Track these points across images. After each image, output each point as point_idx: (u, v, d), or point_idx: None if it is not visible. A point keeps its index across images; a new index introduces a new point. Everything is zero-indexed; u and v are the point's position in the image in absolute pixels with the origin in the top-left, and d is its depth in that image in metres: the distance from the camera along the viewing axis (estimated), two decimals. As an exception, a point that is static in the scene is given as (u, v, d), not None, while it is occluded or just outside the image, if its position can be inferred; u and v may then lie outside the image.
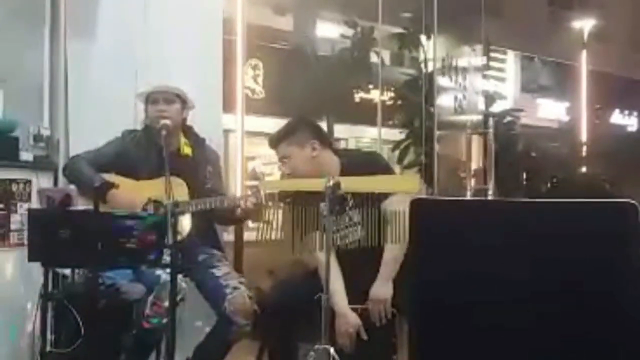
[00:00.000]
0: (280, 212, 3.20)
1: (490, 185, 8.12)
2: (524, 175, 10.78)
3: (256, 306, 3.44)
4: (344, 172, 3.26)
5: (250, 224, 4.20)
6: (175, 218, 2.93)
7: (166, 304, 3.11)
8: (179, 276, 3.23)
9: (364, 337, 3.19)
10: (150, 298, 3.28)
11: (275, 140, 3.45)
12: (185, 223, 3.41)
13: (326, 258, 2.90)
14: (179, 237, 3.07)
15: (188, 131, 3.74)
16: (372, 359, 3.26)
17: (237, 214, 3.49)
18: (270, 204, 3.29)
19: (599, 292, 1.80)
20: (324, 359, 2.79)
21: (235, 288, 3.43)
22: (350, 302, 3.24)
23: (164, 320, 3.12)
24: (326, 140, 3.49)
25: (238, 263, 4.40)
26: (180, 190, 3.42)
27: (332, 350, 2.79)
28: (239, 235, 5.04)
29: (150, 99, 3.64)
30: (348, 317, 3.19)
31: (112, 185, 3.47)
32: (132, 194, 3.49)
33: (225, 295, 3.39)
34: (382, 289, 3.20)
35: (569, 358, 1.82)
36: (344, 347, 3.15)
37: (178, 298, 3.23)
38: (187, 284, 3.39)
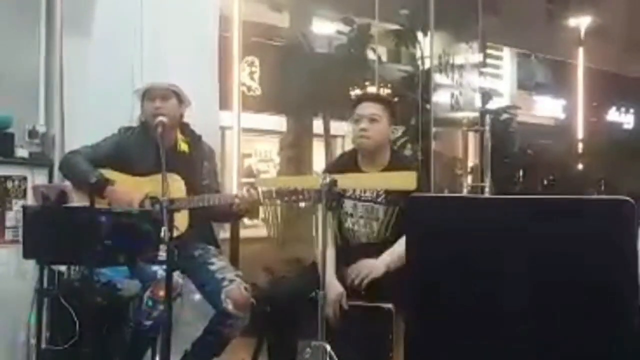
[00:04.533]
0: (278, 209, 3.22)
1: (487, 183, 8.13)
2: (520, 173, 10.80)
3: (253, 299, 3.44)
4: (389, 168, 3.43)
5: (246, 221, 4.20)
6: (171, 215, 2.92)
7: (163, 299, 3.11)
8: (176, 272, 3.23)
9: (345, 307, 3.22)
10: (147, 294, 3.28)
11: (370, 97, 3.64)
12: (183, 219, 3.40)
13: (322, 254, 2.91)
14: (176, 233, 3.06)
15: (184, 128, 3.74)
16: (368, 356, 3.26)
17: (234, 211, 3.49)
18: (267, 201, 3.30)
19: (595, 287, 1.80)
20: (320, 356, 2.79)
21: (231, 281, 3.43)
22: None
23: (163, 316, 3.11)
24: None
25: (234, 260, 4.40)
26: (177, 186, 3.42)
27: (328, 347, 2.79)
28: (234, 232, 5.04)
29: (147, 95, 3.63)
30: (333, 286, 3.22)
31: (108, 182, 3.46)
32: (130, 190, 3.48)
33: (222, 288, 3.39)
34: (376, 265, 3.24)
35: (565, 352, 1.82)
36: (328, 315, 3.15)
37: (176, 294, 3.24)
38: (183, 279, 3.39)
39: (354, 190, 3.42)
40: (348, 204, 3.42)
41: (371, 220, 3.41)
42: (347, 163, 3.49)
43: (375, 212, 3.40)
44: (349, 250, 3.37)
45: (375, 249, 3.34)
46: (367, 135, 3.43)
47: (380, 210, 3.39)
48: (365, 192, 3.43)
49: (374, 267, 3.25)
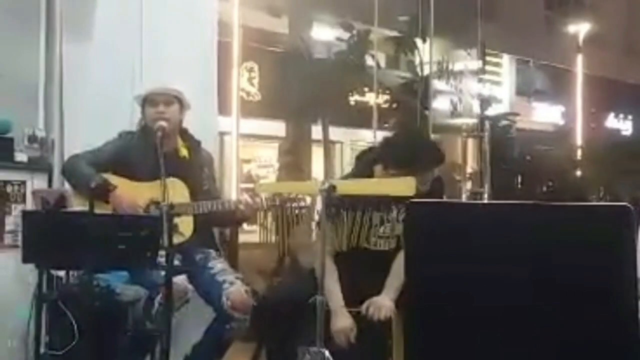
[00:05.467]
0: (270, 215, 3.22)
1: (486, 189, 8.14)
2: (519, 179, 10.81)
3: (254, 300, 3.43)
4: None
5: (245, 226, 4.20)
6: (171, 220, 2.92)
7: (175, 304, 3.11)
8: (183, 277, 3.24)
9: (352, 340, 3.18)
10: (158, 298, 3.26)
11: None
12: (188, 225, 3.40)
13: (321, 260, 2.91)
14: (181, 239, 3.06)
15: (184, 133, 3.73)
16: (367, 361, 3.26)
17: (235, 216, 3.49)
18: (268, 207, 3.30)
19: (594, 294, 1.80)
20: (319, 362, 2.78)
21: (232, 283, 3.43)
22: (351, 304, 3.25)
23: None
24: None
25: (233, 265, 4.39)
26: (180, 191, 3.42)
27: (327, 352, 2.78)
28: (233, 237, 5.04)
29: (149, 100, 3.63)
30: (341, 317, 3.20)
31: (109, 186, 3.46)
32: (134, 195, 3.48)
33: (223, 290, 3.39)
34: (386, 301, 3.20)
35: (565, 355, 1.82)
36: (340, 344, 3.15)
37: (184, 299, 3.24)
38: (191, 285, 3.39)
39: (382, 218, 3.38)
40: (376, 226, 3.38)
41: (393, 240, 3.38)
42: (364, 170, 3.43)
43: (398, 230, 3.37)
44: (370, 260, 3.33)
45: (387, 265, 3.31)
46: None
47: (397, 228, 3.36)
48: (390, 213, 3.38)
49: (390, 308, 3.19)
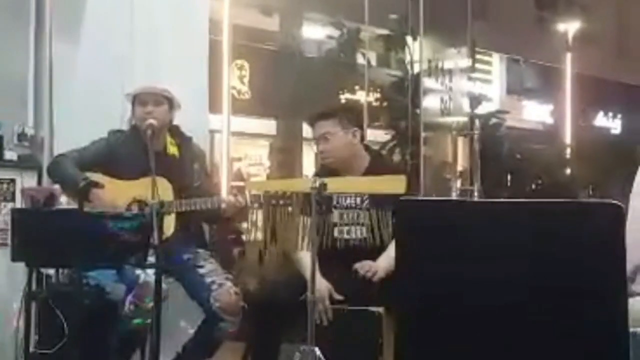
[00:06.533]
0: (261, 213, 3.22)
1: (476, 187, 8.15)
2: (509, 177, 10.82)
3: (243, 302, 3.43)
4: (370, 170, 3.39)
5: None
6: (162, 218, 2.92)
7: (145, 303, 3.12)
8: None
9: (337, 297, 3.22)
10: (129, 297, 3.27)
11: (319, 117, 3.52)
12: (169, 223, 3.40)
13: (312, 258, 2.91)
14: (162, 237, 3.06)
15: (174, 130, 3.73)
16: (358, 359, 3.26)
17: (222, 213, 3.49)
18: (255, 204, 3.30)
19: (584, 291, 1.81)
20: (310, 360, 2.79)
21: (220, 284, 3.43)
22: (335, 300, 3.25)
23: (147, 320, 3.11)
24: (363, 134, 3.58)
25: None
26: (164, 190, 3.41)
27: (317, 351, 2.79)
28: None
29: (138, 100, 3.62)
30: (318, 284, 3.16)
31: (96, 185, 3.45)
32: (115, 193, 3.47)
33: (211, 292, 3.39)
34: (380, 266, 3.20)
35: (558, 351, 1.83)
36: (321, 313, 3.16)
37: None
38: (168, 284, 3.38)
39: (338, 200, 3.41)
40: (334, 213, 3.40)
41: (358, 227, 3.39)
42: (328, 171, 3.46)
43: (362, 219, 3.39)
44: (339, 258, 3.34)
45: (365, 254, 3.33)
46: (326, 156, 3.47)
47: (366, 215, 3.38)
48: (347, 199, 3.41)
49: (379, 267, 3.23)
